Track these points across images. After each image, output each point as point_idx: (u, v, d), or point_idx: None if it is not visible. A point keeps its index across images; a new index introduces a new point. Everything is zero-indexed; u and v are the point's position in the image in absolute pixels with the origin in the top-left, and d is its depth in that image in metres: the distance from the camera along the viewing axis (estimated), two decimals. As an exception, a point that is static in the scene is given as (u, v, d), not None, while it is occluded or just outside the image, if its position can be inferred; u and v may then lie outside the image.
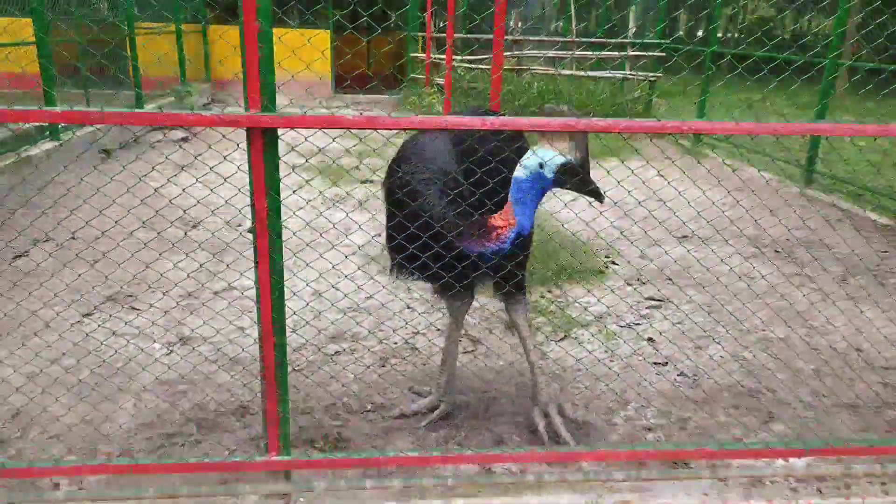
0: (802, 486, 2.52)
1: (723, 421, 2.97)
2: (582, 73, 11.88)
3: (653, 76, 11.51)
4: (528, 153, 2.35)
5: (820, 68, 7.22)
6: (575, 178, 2.31)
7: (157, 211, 2.90)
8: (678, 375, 3.34)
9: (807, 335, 3.81)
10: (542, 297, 4.25)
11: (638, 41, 11.69)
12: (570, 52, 12.01)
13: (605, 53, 11.86)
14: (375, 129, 1.91)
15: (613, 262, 4.93)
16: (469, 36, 12.66)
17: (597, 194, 2.34)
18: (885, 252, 5.43)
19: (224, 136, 2.45)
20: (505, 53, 12.21)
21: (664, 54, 11.48)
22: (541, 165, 2.31)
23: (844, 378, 3.37)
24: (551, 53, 12.27)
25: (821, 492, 2.49)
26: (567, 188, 2.34)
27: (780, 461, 2.60)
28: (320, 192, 4.99)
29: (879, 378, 3.42)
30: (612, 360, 3.46)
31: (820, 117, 7.08)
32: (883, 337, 3.65)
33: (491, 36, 13.65)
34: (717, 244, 4.55)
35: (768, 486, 2.52)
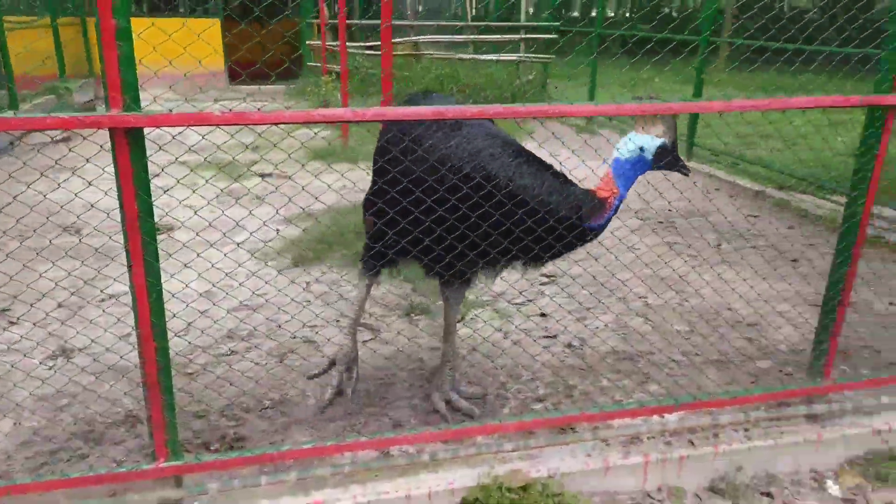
0: (675, 439, 2.73)
1: (605, 386, 3.16)
2: (478, 56, 12.05)
3: (546, 58, 11.83)
4: (626, 137, 2.46)
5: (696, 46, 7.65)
6: (668, 157, 2.46)
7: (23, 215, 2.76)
8: (566, 347, 3.53)
9: (682, 299, 4.10)
10: (440, 281, 4.34)
11: (530, 24, 11.93)
12: (466, 37, 12.16)
13: (499, 37, 12.06)
14: (245, 124, 1.91)
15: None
16: (365, 22, 12.56)
17: (685, 169, 2.50)
18: (756, 216, 5.88)
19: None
20: (401, 39, 12.21)
21: (556, 37, 11.81)
22: (641, 148, 2.44)
23: (714, 336, 3.66)
24: (448, 38, 12.36)
25: (692, 443, 2.71)
26: (660, 167, 2.48)
27: (656, 418, 2.81)
28: (218, 190, 4.87)
29: (745, 334, 3.73)
30: (504, 338, 3.60)
31: (697, 94, 7.51)
32: (754, 296, 3.96)
33: (398, 21, 13.54)
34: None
35: (645, 441, 2.73)
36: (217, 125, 1.97)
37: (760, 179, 6.98)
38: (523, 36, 11.74)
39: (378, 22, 12.88)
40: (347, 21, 12.57)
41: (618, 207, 2.48)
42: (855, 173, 2.57)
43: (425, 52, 12.15)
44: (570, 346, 3.54)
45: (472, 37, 12.31)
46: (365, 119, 2.08)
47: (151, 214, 2.01)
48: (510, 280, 4.14)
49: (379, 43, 12.40)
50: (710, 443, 2.71)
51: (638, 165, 2.46)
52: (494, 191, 2.41)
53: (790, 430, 2.78)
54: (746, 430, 2.78)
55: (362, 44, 12.45)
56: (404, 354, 3.44)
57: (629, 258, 4.32)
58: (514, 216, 2.42)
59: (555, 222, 2.43)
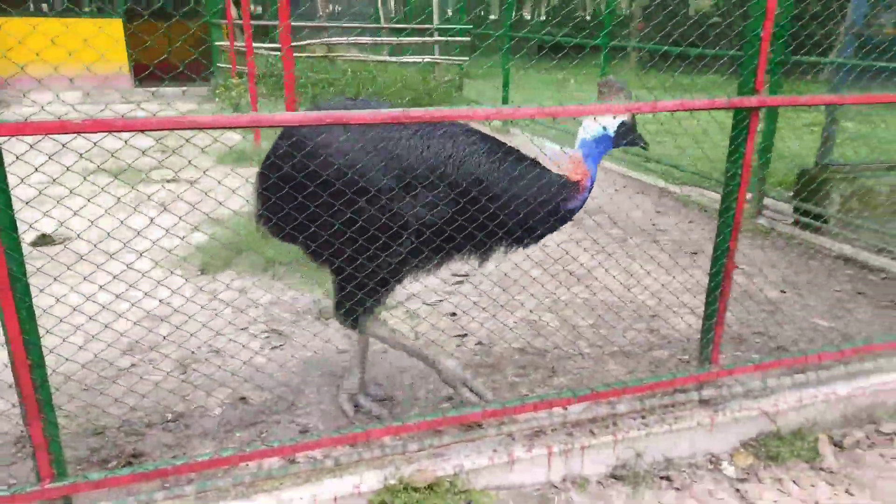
0: (577, 430, 2.82)
1: (513, 381, 3.23)
2: (394, 59, 12.05)
3: (460, 60, 11.96)
4: (590, 117, 2.61)
5: (596, 47, 7.92)
6: (630, 134, 2.65)
7: None
8: (476, 345, 3.58)
9: (590, 294, 4.23)
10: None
11: (443, 27, 12.03)
12: (380, 39, 12.12)
13: (412, 39, 12.10)
14: (108, 131, 1.84)
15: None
16: (272, 23, 12.27)
17: (644, 143, 2.70)
18: (658, 212, 6.15)
19: None
20: (314, 41, 12.05)
21: (468, 39, 11.95)
22: (604, 127, 2.61)
23: (619, 328, 3.80)
24: (363, 40, 12.29)
25: (593, 433, 2.81)
26: (622, 144, 2.67)
27: (559, 410, 2.89)
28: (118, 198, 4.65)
29: (649, 325, 3.90)
30: (416, 339, 3.61)
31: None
32: (657, 288, 4.13)
33: (300, 22, 13.32)
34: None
35: (549, 434, 2.80)
36: (77, 133, 1.87)
37: (665, 176, 7.30)
38: (436, 38, 11.82)
39: (302, 23, 12.68)
40: (256, 21, 12.33)
41: (590, 188, 2.65)
42: (726, 172, 2.72)
43: (339, 55, 12.04)
44: (479, 343, 3.59)
45: (385, 39, 12.29)
46: (240, 125, 2.05)
47: (14, 227, 1.90)
48: (418, 284, 4.16)
49: (301, 44, 12.22)
50: (609, 431, 2.81)
51: (602, 143, 2.64)
52: (488, 190, 2.52)
53: (684, 415, 2.92)
54: (643, 417, 2.90)
55: (276, 45, 12.20)
56: (316, 359, 3.40)
57: (539, 255, 4.43)
58: (506, 208, 2.55)
59: (539, 208, 2.58)
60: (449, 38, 12.06)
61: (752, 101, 2.54)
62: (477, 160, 2.52)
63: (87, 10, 13.23)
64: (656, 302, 4.11)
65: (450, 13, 13.50)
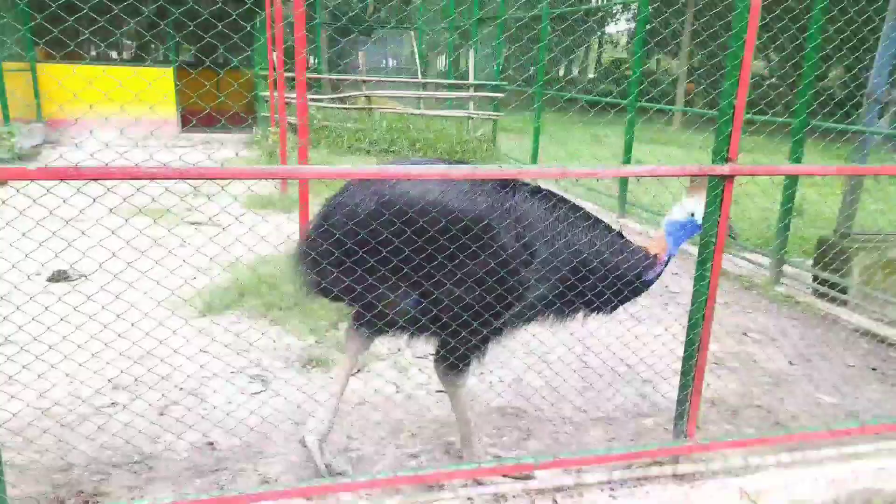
0: (540, 498, 2.73)
1: (484, 442, 3.15)
2: (429, 112, 12.33)
3: (495, 115, 12.15)
4: (681, 202, 2.81)
5: (626, 107, 7.94)
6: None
7: None
8: (455, 402, 3.52)
9: (584, 353, 4.14)
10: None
11: (480, 83, 12.29)
12: (417, 93, 12.44)
13: (450, 94, 12.38)
14: (126, 179, 1.93)
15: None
16: (320, 76, 12.78)
17: (734, 236, 2.82)
18: (675, 274, 6.02)
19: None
20: (355, 93, 12.45)
21: (503, 95, 12.16)
22: (692, 214, 2.78)
23: (609, 392, 3.69)
24: (402, 93, 12.65)
25: (555, 501, 2.71)
26: None
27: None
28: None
29: (637, 390, 3.78)
30: (396, 392, 3.58)
31: (627, 153, 7.76)
32: (659, 352, 4.01)
33: (347, 76, 13.79)
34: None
35: (510, 500, 2.71)
36: (87, 179, 1.98)
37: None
38: (472, 94, 12.05)
39: (333, 77, 13.15)
40: (307, 75, 12.82)
41: (667, 262, 2.82)
42: (700, 239, 2.66)
43: (378, 107, 12.38)
44: (459, 401, 3.53)
45: (422, 93, 12.61)
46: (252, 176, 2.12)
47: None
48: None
49: (341, 95, 12.65)
50: (573, 501, 2.71)
51: (688, 228, 2.81)
52: (588, 261, 2.65)
53: (656, 490, 2.80)
54: (612, 489, 2.79)
55: (320, 96, 12.64)
56: (291, 408, 3.40)
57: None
58: (590, 278, 2.66)
59: (618, 279, 2.71)
60: (486, 94, 12.30)
61: (723, 169, 2.50)
62: (580, 229, 2.66)
63: (146, 60, 14.04)
64: (652, 367, 3.99)
65: (485, 70, 13.82)
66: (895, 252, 5.16)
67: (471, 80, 12.28)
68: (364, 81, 12.50)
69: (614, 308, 2.82)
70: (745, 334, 4.77)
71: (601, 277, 2.66)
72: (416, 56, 13.18)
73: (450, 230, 2.41)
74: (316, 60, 16.28)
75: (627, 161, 7.76)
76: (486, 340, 2.72)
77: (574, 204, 2.73)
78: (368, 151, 11.73)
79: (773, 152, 9.67)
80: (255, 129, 12.29)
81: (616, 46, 36.03)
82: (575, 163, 10.66)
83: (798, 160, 5.27)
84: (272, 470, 2.90)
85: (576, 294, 2.67)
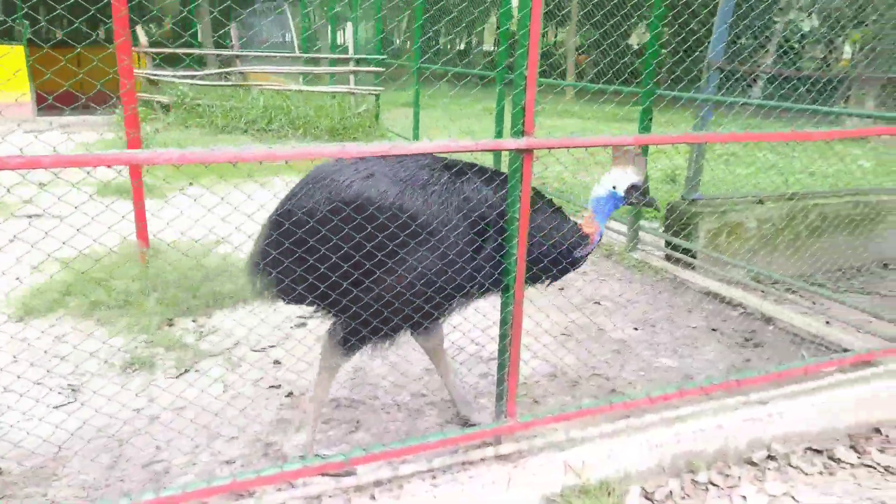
0: (358, 495, 2.61)
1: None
2: (309, 88, 11.87)
3: (375, 90, 11.86)
4: (602, 177, 2.88)
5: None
6: (638, 194, 2.86)
7: None
8: (287, 396, 3.35)
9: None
10: (185, 329, 4.05)
11: (360, 57, 11.94)
12: (296, 68, 11.95)
13: (329, 69, 11.97)
14: None
15: (280, 283, 4.89)
16: (187, 51, 12.01)
17: (655, 206, 2.91)
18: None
19: None
20: (229, 69, 11.81)
21: (385, 69, 11.88)
22: (614, 187, 2.85)
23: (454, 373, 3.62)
24: (277, 69, 12.09)
25: (374, 497, 2.60)
26: (632, 203, 2.89)
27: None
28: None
29: (481, 370, 3.73)
30: (225, 391, 3.37)
31: (498, 124, 7.71)
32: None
33: (212, 50, 13.03)
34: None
35: (326, 500, 2.58)
36: None
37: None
38: (352, 68, 11.71)
39: (202, 52, 12.39)
40: (160, 49, 12.03)
41: (598, 241, 2.92)
42: (504, 216, 2.59)
43: (255, 83, 11.81)
44: (290, 395, 3.36)
45: (300, 67, 12.12)
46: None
47: None
48: (250, 324, 3.92)
49: (206, 72, 11.96)
50: (393, 493, 2.61)
51: (611, 201, 2.88)
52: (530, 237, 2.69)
53: (480, 473, 2.74)
54: (434, 477, 2.70)
55: (186, 72, 11.89)
56: (103, 419, 3.11)
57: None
58: (534, 252, 2.75)
59: (558, 253, 2.82)
60: (367, 69, 11.97)
61: (519, 143, 2.42)
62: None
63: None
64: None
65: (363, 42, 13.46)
66: (737, 216, 5.37)
67: (351, 55, 11.89)
68: (238, 56, 11.87)
69: (552, 279, 2.95)
70: (597, 303, 4.84)
71: (542, 254, 2.78)
72: (293, 30, 12.63)
73: (407, 226, 2.50)
74: (193, 34, 15.37)
75: (499, 134, 7.72)
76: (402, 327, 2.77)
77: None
78: (245, 131, 11.18)
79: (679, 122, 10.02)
80: (118, 112, 11.45)
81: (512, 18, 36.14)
82: (446, 136, 10.60)
83: (647, 129, 5.36)
84: (62, 494, 2.63)
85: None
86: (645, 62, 5.25)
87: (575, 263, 2.91)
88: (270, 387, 3.44)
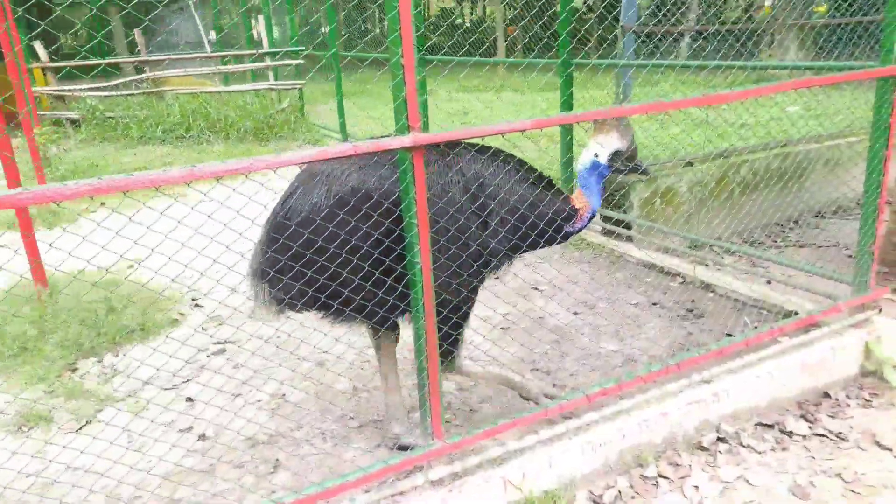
0: (275, 548, 2.33)
1: (221, 489, 2.70)
2: (227, 89, 11.33)
3: (297, 84, 11.39)
4: (587, 146, 2.78)
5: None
6: (624, 161, 2.76)
7: None
8: (198, 439, 3.03)
9: (363, 349, 3.78)
10: (89, 372, 3.68)
11: (275, 51, 11.43)
12: (207, 69, 11.37)
13: (244, 66, 11.44)
14: None
15: (197, 304, 4.54)
16: (87, 63, 11.27)
17: (645, 172, 2.83)
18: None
19: None
20: (138, 77, 11.16)
21: (302, 61, 11.40)
22: (596, 155, 2.76)
23: (378, 394, 3.36)
24: (189, 71, 11.48)
25: (294, 548, 2.33)
26: (620, 171, 2.78)
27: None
28: None
29: (413, 383, 3.48)
30: (129, 445, 3.03)
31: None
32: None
33: (116, 59, 12.31)
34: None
35: (238, 561, 2.30)
36: None
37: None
38: (268, 63, 11.20)
39: (102, 60, 11.67)
40: (60, 64, 11.28)
41: (591, 217, 2.85)
42: (403, 224, 2.32)
43: (168, 89, 11.20)
44: (202, 437, 3.05)
45: (213, 68, 11.56)
46: None
47: None
48: (161, 359, 3.56)
49: (113, 82, 11.27)
50: (316, 542, 2.34)
51: (596, 172, 2.78)
52: (524, 206, 2.70)
53: (413, 503, 2.50)
54: (366, 513, 2.45)
55: (93, 84, 11.19)
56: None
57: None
58: (529, 223, 2.73)
59: (544, 225, 2.76)
60: (286, 63, 11.47)
61: (404, 140, 2.14)
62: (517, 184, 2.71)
63: None
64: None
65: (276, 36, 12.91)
66: (668, 181, 5.22)
67: (265, 49, 11.37)
68: (147, 63, 11.22)
69: (542, 246, 2.90)
70: (535, 288, 4.63)
71: (529, 227, 2.74)
72: (201, 29, 12.00)
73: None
74: (102, 44, 14.51)
75: (426, 121, 7.43)
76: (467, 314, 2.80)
77: (512, 156, 2.76)
78: (163, 140, 10.60)
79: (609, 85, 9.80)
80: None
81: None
82: (378, 125, 10.24)
83: (568, 104, 5.14)
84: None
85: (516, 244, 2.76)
86: (559, 30, 5.02)
87: (566, 238, 2.89)
88: (180, 430, 3.11)
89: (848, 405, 3.27)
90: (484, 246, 2.65)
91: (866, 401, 3.30)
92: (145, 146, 10.38)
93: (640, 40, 5.03)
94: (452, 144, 2.64)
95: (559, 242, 2.91)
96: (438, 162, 2.56)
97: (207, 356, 3.82)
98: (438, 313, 2.49)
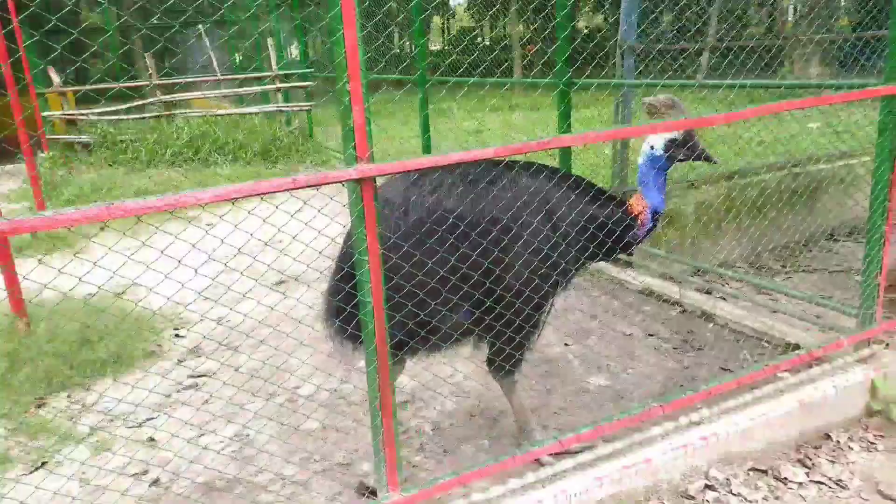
0: None
1: (166, 541, 2.55)
2: (235, 111, 11.35)
3: (306, 106, 11.38)
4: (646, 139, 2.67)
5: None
6: (684, 148, 2.62)
7: None
8: (151, 485, 2.88)
9: (338, 384, 3.62)
10: (56, 408, 3.56)
11: (285, 73, 11.46)
12: (217, 92, 11.42)
13: (253, 89, 11.47)
14: None
15: (178, 335, 4.42)
16: (98, 87, 11.37)
17: (708, 158, 2.67)
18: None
19: None
20: (148, 101, 11.24)
21: (312, 83, 11.40)
22: (651, 147, 2.64)
23: (347, 431, 3.20)
24: (199, 95, 11.55)
25: None
26: (681, 160, 2.65)
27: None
28: None
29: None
30: (80, 487, 2.89)
31: (425, 126, 7.26)
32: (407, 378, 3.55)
33: (127, 83, 12.42)
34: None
35: None
36: None
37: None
38: (278, 85, 11.21)
39: (113, 84, 11.79)
40: (72, 88, 11.41)
41: (654, 218, 2.71)
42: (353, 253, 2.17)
43: (179, 112, 11.26)
44: (155, 483, 2.89)
45: (223, 91, 11.61)
46: None
47: None
48: (132, 393, 3.43)
49: (123, 106, 11.36)
50: None
51: (654, 166, 2.66)
52: (593, 222, 2.69)
53: (364, 561, 2.32)
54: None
55: (104, 108, 11.28)
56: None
57: (291, 343, 3.77)
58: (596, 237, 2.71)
59: (603, 236, 2.70)
60: (296, 85, 11.47)
61: (349, 173, 2.00)
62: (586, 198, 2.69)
63: None
64: (415, 388, 3.54)
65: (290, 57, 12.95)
66: (672, 202, 5.01)
67: (274, 71, 11.38)
68: (158, 86, 11.30)
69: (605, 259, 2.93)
70: (526, 318, 4.43)
71: (588, 241, 2.71)
72: (211, 52, 12.10)
73: (498, 233, 2.48)
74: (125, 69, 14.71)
75: (427, 138, 7.31)
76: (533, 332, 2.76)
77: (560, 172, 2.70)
78: (172, 163, 10.63)
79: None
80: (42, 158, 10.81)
81: (453, 17, 35.60)
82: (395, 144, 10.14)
83: (566, 118, 4.95)
84: None
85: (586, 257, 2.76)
86: (557, 52, 4.86)
87: (627, 248, 2.80)
88: (134, 474, 2.97)
89: (850, 448, 3.02)
90: (555, 266, 2.61)
91: (870, 443, 3.04)
92: (154, 169, 10.41)
93: (646, 58, 4.84)
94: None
95: (623, 252, 2.86)
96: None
97: (179, 391, 3.68)
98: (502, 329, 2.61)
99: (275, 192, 1.94)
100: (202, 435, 3.19)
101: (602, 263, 5.10)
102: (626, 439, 2.79)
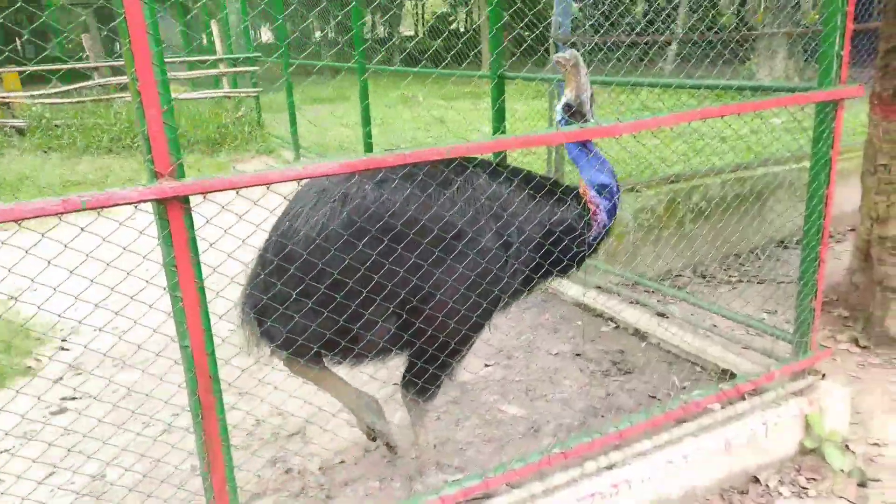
0: None
1: None
2: (178, 97, 10.80)
3: (253, 92, 10.87)
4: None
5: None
6: (575, 113, 2.49)
7: None
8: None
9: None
10: None
11: (230, 57, 10.92)
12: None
13: (196, 73, 10.92)
14: None
15: (63, 348, 3.99)
16: (32, 68, 10.73)
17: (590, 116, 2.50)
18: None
19: None
20: (85, 83, 10.64)
21: (257, 68, 10.89)
22: (558, 119, 2.54)
23: (264, 458, 2.81)
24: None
25: None
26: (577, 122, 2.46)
27: None
28: None
29: (299, 451, 2.93)
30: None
31: (366, 129, 6.86)
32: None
33: (65, 66, 11.81)
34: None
35: None
36: None
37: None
38: (222, 70, 10.68)
39: (48, 66, 11.16)
40: (7, 69, 10.79)
41: (606, 219, 2.56)
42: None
43: (118, 96, 10.68)
44: (-19, 540, 2.50)
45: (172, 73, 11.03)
46: None
47: None
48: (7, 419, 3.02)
49: (63, 88, 10.75)
50: None
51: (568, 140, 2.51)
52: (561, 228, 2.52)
53: None
54: None
55: (44, 90, 10.67)
56: None
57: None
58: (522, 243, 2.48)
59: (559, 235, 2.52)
60: (242, 69, 10.94)
61: (143, 192, 1.60)
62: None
63: None
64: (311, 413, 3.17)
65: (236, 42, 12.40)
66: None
67: (220, 55, 10.84)
68: (96, 68, 10.70)
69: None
70: (447, 334, 4.08)
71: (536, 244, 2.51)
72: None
73: (437, 237, 2.24)
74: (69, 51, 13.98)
75: (367, 125, 6.88)
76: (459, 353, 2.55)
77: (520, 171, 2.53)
78: (110, 150, 10.08)
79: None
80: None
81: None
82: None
83: (500, 117, 4.60)
84: None
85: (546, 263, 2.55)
86: (491, 44, 4.49)
87: (589, 248, 2.62)
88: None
89: (780, 493, 2.73)
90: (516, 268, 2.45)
91: (802, 488, 2.76)
92: (90, 157, 9.84)
93: (580, 50, 4.50)
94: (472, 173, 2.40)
95: (574, 257, 2.62)
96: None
97: (45, 416, 3.27)
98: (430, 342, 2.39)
99: (38, 216, 1.54)
100: (53, 473, 2.79)
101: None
102: (523, 489, 2.45)
